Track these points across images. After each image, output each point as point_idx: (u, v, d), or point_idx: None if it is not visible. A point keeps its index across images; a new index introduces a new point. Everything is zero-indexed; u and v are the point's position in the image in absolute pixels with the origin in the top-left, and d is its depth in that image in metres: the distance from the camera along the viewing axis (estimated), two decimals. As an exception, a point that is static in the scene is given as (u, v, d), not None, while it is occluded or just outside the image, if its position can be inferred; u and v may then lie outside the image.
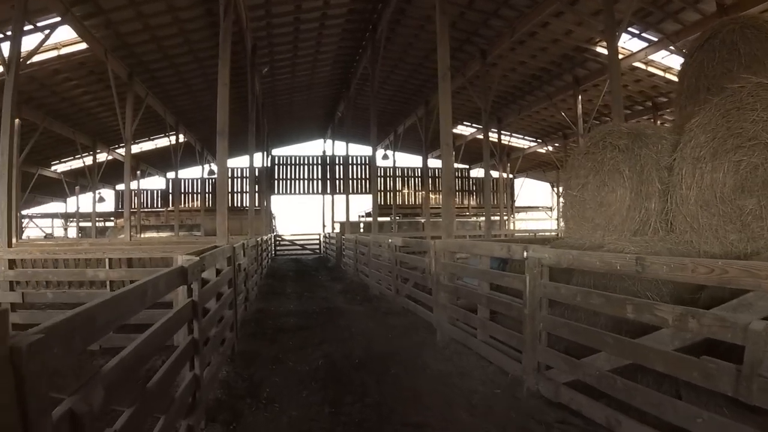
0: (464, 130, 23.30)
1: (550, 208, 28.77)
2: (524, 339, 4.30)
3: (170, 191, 27.34)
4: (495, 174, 28.08)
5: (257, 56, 12.68)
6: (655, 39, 10.86)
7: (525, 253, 4.19)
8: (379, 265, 10.43)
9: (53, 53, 12.18)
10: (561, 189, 6.23)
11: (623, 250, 4.35)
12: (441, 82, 6.56)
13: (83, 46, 11.63)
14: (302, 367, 5.34)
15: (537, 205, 29.65)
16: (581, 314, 4.49)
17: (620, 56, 12.45)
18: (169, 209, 26.07)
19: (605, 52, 12.53)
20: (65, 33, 11.27)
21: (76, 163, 22.02)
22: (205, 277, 4.53)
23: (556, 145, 21.80)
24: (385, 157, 23.24)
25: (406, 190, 29.21)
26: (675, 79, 13.21)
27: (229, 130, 6.98)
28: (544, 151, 23.60)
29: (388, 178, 28.23)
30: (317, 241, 25.55)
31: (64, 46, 12.13)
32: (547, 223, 28.31)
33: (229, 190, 28.01)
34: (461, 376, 4.96)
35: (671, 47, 10.96)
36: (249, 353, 5.87)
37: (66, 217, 26.08)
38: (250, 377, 4.96)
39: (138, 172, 24.90)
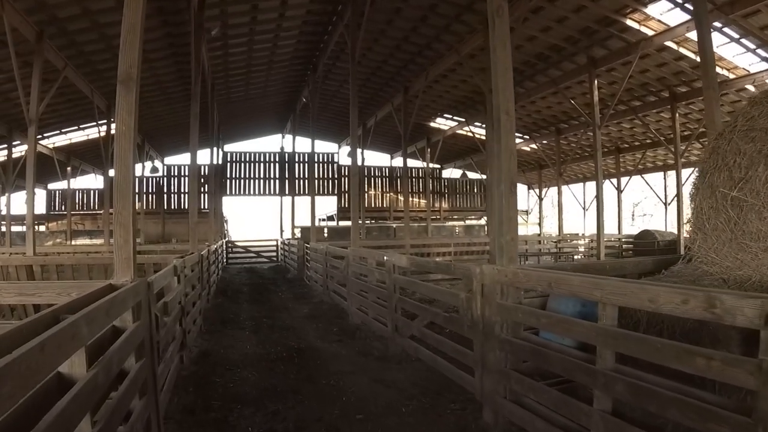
0: (443, 123, 20.88)
1: (527, 212, 26.87)
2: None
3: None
4: (474, 175, 26.10)
5: (206, 17, 9.87)
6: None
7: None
8: (364, 287, 7.98)
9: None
10: (694, 185, 4.04)
11: None
12: (495, 19, 4.18)
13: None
14: None
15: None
16: None
17: (653, 32, 10.48)
18: (110, 212, 22.44)
19: (636, 25, 10.55)
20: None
21: (-7, 156, 17.96)
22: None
23: (544, 142, 19.78)
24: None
25: (372, 192, 26.65)
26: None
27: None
28: (528, 149, 21.58)
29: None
30: (274, 248, 22.96)
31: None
32: (522, 228, 26.47)
33: (175, 191, 24.74)
34: None
35: (716, 23, 9.02)
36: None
37: None
38: None
39: (69, 169, 21.37)
